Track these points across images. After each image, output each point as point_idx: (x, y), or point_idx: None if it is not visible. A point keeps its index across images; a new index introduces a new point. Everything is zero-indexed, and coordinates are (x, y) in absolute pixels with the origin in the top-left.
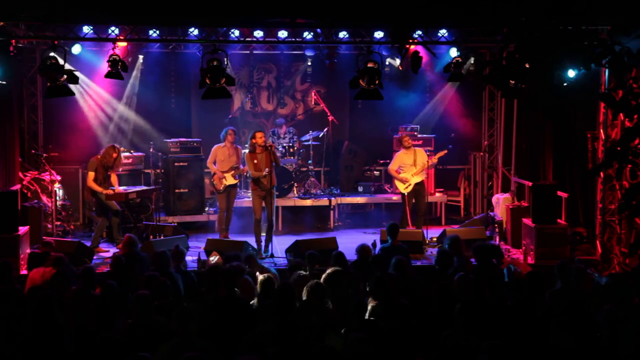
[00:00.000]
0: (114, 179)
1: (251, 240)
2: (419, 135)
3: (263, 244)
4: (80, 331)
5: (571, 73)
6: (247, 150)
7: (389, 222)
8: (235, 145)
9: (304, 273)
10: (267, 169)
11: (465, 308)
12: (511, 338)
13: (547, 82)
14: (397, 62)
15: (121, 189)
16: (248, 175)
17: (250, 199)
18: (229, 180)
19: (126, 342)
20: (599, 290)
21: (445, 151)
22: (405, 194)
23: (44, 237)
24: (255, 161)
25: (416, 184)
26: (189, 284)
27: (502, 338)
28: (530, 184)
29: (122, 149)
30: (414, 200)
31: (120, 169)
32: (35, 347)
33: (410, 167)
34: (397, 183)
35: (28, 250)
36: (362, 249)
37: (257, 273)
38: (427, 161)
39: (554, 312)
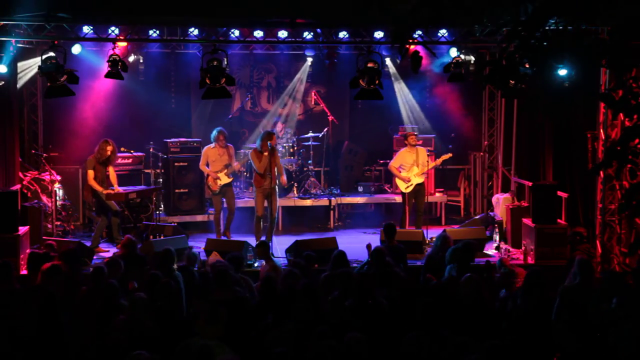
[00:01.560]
0: (112, 175)
1: (251, 240)
2: (419, 135)
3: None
4: (82, 330)
5: (568, 73)
6: (252, 148)
7: (386, 222)
8: (226, 144)
9: (295, 271)
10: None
11: (429, 308)
12: (512, 338)
13: (547, 82)
14: (395, 62)
15: (121, 189)
16: (245, 171)
17: (249, 198)
18: (224, 179)
19: (123, 341)
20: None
21: (450, 155)
22: (406, 193)
23: (44, 237)
24: (261, 161)
25: (417, 184)
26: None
27: (500, 338)
28: (530, 184)
29: (122, 148)
30: (413, 200)
31: (116, 162)
32: (38, 346)
33: (411, 166)
34: (397, 182)
35: (28, 250)
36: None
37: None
38: (428, 161)
39: (564, 310)
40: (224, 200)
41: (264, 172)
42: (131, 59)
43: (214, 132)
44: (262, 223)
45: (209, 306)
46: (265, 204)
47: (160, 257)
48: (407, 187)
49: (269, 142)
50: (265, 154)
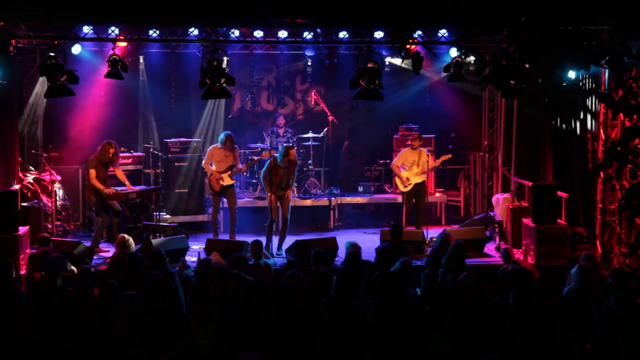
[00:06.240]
0: (122, 176)
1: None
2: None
3: (275, 243)
4: (80, 330)
5: (571, 74)
6: (253, 149)
7: (392, 222)
8: (233, 146)
9: (299, 272)
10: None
11: (461, 310)
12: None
13: (547, 82)
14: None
15: (120, 189)
16: (246, 172)
17: (249, 198)
18: (227, 181)
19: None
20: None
21: (449, 155)
22: (404, 192)
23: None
24: (276, 176)
25: (416, 184)
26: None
27: (502, 338)
28: (530, 184)
29: (122, 148)
30: (413, 200)
31: (119, 165)
32: (36, 346)
33: (412, 166)
34: (397, 181)
35: (28, 250)
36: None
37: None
38: (428, 161)
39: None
40: (224, 200)
41: (279, 184)
42: (131, 60)
43: (222, 136)
44: (273, 225)
45: (200, 306)
46: (279, 204)
47: (152, 258)
48: (406, 186)
49: (288, 158)
50: (286, 171)
